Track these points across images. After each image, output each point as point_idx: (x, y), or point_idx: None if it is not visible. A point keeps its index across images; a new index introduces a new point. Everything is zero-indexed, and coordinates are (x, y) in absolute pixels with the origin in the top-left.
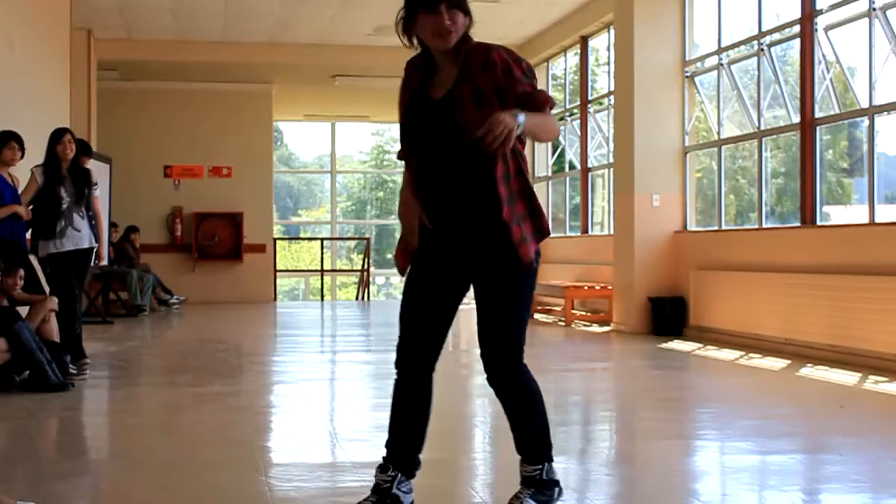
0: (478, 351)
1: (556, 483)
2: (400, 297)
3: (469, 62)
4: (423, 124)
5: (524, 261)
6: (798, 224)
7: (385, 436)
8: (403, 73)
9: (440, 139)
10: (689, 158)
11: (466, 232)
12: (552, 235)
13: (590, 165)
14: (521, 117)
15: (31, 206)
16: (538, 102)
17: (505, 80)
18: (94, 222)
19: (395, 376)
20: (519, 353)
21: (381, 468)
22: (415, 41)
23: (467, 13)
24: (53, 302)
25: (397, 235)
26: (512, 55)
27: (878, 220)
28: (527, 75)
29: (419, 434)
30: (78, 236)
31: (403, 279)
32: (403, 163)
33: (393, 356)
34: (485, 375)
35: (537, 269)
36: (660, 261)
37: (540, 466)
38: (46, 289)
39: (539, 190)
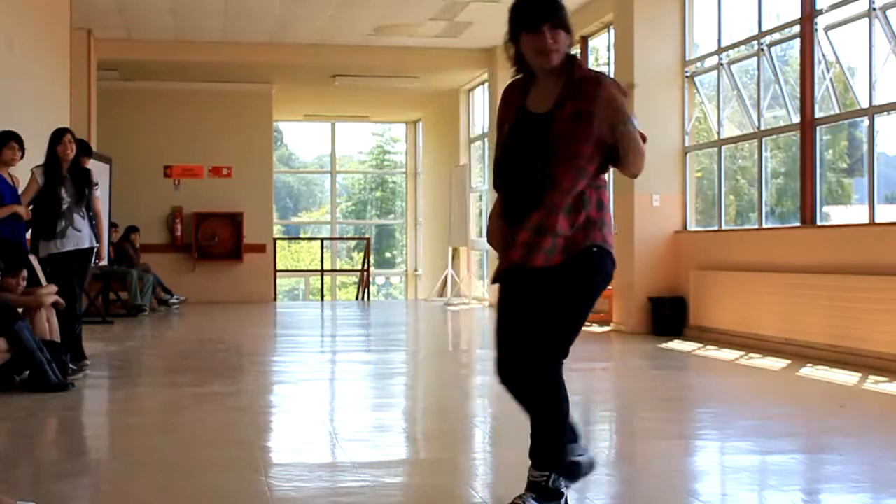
0: (479, 352)
1: (562, 495)
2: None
3: (580, 86)
4: (522, 136)
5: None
6: (798, 224)
7: (385, 436)
8: (503, 98)
9: (534, 151)
10: (689, 158)
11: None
12: None
13: None
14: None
15: (31, 207)
16: (641, 138)
17: (613, 115)
18: (94, 222)
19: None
20: (556, 353)
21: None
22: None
23: (569, 31)
24: (51, 288)
25: (397, 235)
26: (619, 87)
27: (878, 220)
28: (625, 110)
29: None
30: (78, 236)
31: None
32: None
33: (392, 356)
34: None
35: (599, 292)
36: (660, 261)
37: (546, 474)
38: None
39: None
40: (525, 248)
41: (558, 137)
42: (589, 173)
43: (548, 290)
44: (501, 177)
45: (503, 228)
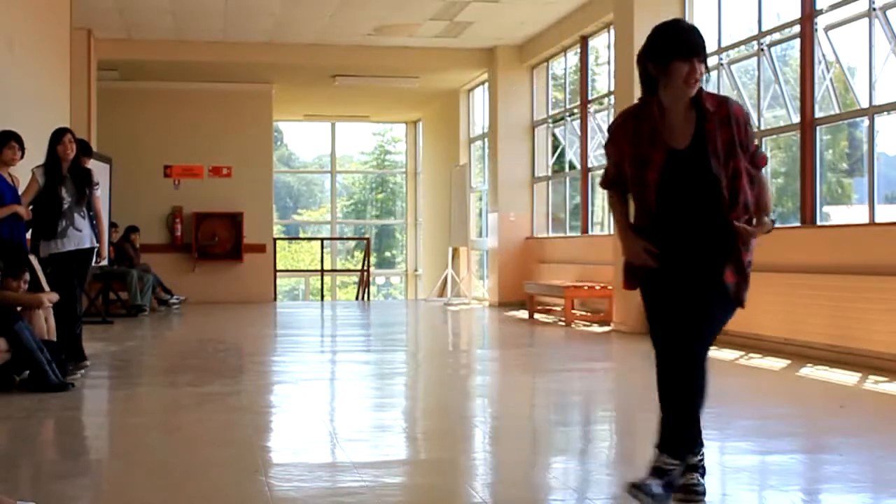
0: (479, 352)
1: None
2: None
3: (713, 114)
4: (670, 172)
5: (738, 303)
6: (798, 224)
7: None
8: (620, 121)
9: (691, 183)
10: None
11: (701, 257)
12: (552, 235)
13: (590, 165)
14: (770, 219)
15: (31, 207)
16: (761, 162)
17: (745, 137)
18: (94, 222)
19: (662, 380)
20: (707, 346)
21: (672, 455)
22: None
23: (707, 67)
24: (53, 296)
25: (397, 235)
26: (745, 111)
27: (878, 220)
28: (751, 130)
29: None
30: (79, 236)
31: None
32: (607, 191)
33: (392, 356)
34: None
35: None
36: None
37: (678, 463)
38: (46, 289)
39: (539, 190)
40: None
41: (717, 170)
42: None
43: (719, 295)
44: (658, 208)
45: (639, 240)
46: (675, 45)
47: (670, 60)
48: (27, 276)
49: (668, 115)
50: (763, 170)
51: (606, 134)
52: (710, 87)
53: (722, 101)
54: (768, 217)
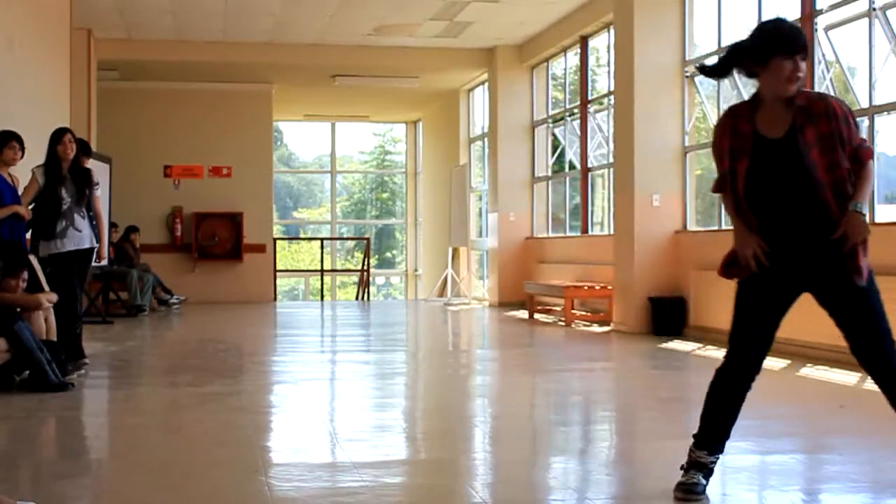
0: (479, 352)
1: (712, 472)
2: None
3: (810, 107)
4: (764, 162)
5: (858, 283)
6: None
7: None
8: (725, 127)
9: (786, 174)
10: (689, 158)
11: (816, 249)
12: (552, 235)
13: (590, 165)
14: (862, 207)
15: (31, 207)
16: (865, 155)
17: (847, 131)
18: (94, 222)
19: (723, 373)
20: (892, 338)
21: (710, 452)
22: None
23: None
24: (51, 297)
25: (397, 235)
26: (846, 106)
27: (878, 220)
28: (856, 125)
29: (732, 423)
30: (79, 236)
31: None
32: (720, 194)
33: (392, 356)
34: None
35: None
36: (660, 261)
37: (717, 456)
38: (46, 289)
39: (539, 190)
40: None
41: (813, 163)
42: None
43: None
44: (756, 201)
45: (754, 238)
46: (779, 42)
47: (772, 57)
48: (25, 275)
49: (765, 111)
50: (869, 163)
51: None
52: (710, 87)
53: (820, 97)
54: (856, 207)
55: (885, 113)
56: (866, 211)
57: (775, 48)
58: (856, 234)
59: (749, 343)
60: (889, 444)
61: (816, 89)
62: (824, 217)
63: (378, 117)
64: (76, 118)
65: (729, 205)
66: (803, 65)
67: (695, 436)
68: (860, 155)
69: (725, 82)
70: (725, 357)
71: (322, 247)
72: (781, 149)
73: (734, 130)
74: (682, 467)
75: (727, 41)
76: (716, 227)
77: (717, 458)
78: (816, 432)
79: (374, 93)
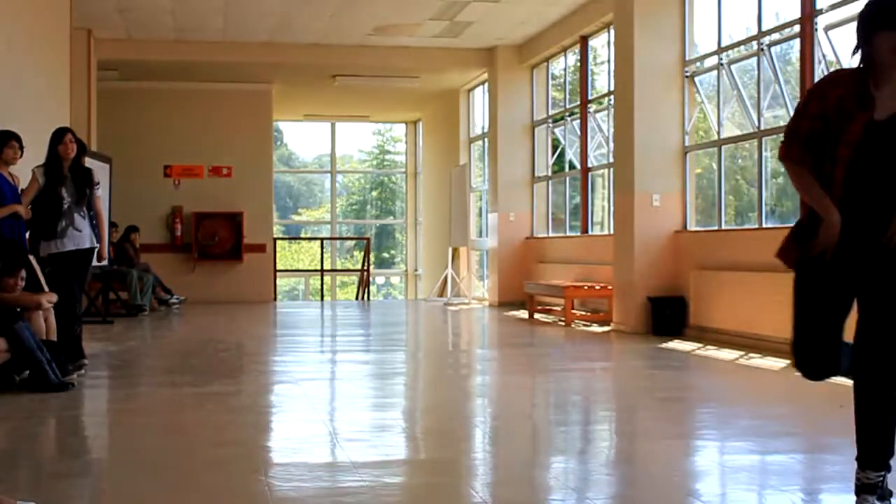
0: (479, 351)
1: (892, 493)
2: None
3: None
4: (866, 142)
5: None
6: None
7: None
8: (832, 77)
9: (881, 155)
10: (689, 158)
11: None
12: (552, 235)
13: (590, 165)
14: None
15: (30, 206)
16: None
17: None
18: (95, 222)
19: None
20: None
21: (875, 469)
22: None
23: None
24: (51, 297)
25: (397, 235)
26: None
27: None
28: None
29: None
30: (79, 236)
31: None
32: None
33: (392, 356)
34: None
35: None
36: (660, 261)
37: (883, 473)
38: (46, 289)
39: (539, 190)
40: None
41: None
42: None
43: None
44: (846, 187)
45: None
46: (877, 18)
47: (874, 32)
48: (23, 274)
49: (877, 89)
50: None
51: (808, 93)
52: (710, 87)
53: None
54: None
55: None
56: None
57: (877, 23)
58: None
59: (818, 342)
60: None
61: None
62: None
63: (378, 117)
64: (76, 118)
65: (801, 174)
66: None
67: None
68: None
69: (725, 82)
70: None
71: (322, 247)
72: (885, 130)
73: (841, 98)
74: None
75: (727, 41)
76: (716, 227)
77: (885, 475)
78: (816, 432)
79: (374, 93)
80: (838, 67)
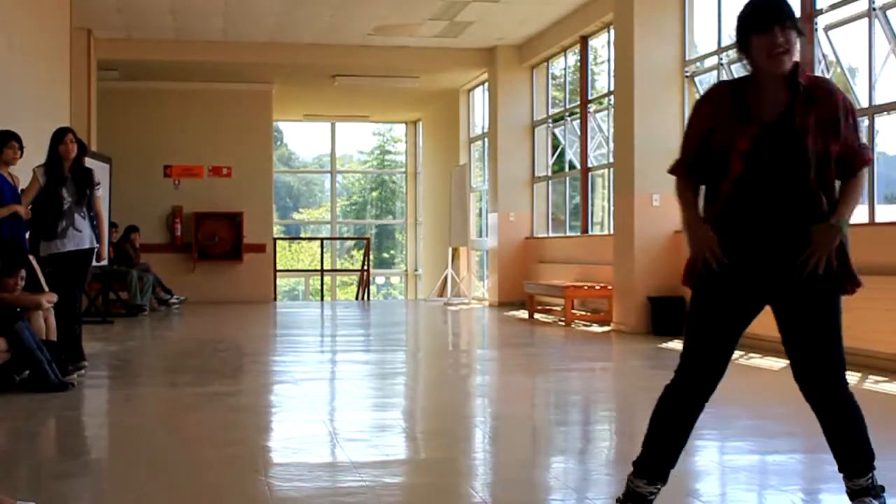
0: (479, 351)
1: (883, 488)
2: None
3: (813, 91)
4: (754, 145)
5: (848, 290)
6: None
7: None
8: (708, 103)
9: (777, 161)
10: None
11: (793, 249)
12: (552, 235)
13: (590, 165)
14: (843, 224)
15: (30, 206)
16: (859, 161)
17: (845, 127)
18: (95, 223)
19: (673, 391)
20: (844, 369)
21: (650, 482)
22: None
23: (801, 33)
24: (51, 297)
25: (397, 235)
26: (849, 100)
27: (878, 220)
28: (857, 126)
29: (680, 449)
30: (79, 237)
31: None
32: (676, 178)
33: (392, 356)
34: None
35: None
36: (660, 261)
37: (870, 475)
38: (46, 289)
39: (539, 190)
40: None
41: (808, 148)
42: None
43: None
44: (739, 186)
45: (710, 235)
46: (751, 21)
47: (749, 36)
48: (23, 274)
49: (760, 94)
50: (861, 172)
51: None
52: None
53: (824, 80)
54: (839, 223)
55: (885, 113)
56: (844, 229)
57: (750, 26)
58: (817, 248)
59: (708, 357)
60: (889, 444)
61: None
62: (812, 211)
63: (378, 117)
64: (76, 118)
65: (684, 191)
66: (786, 35)
67: (635, 462)
68: (853, 159)
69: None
70: (677, 373)
71: (322, 247)
72: (776, 133)
73: (725, 109)
74: (618, 500)
75: (727, 41)
76: None
77: (659, 489)
78: (816, 432)
79: (374, 93)
80: (717, 83)
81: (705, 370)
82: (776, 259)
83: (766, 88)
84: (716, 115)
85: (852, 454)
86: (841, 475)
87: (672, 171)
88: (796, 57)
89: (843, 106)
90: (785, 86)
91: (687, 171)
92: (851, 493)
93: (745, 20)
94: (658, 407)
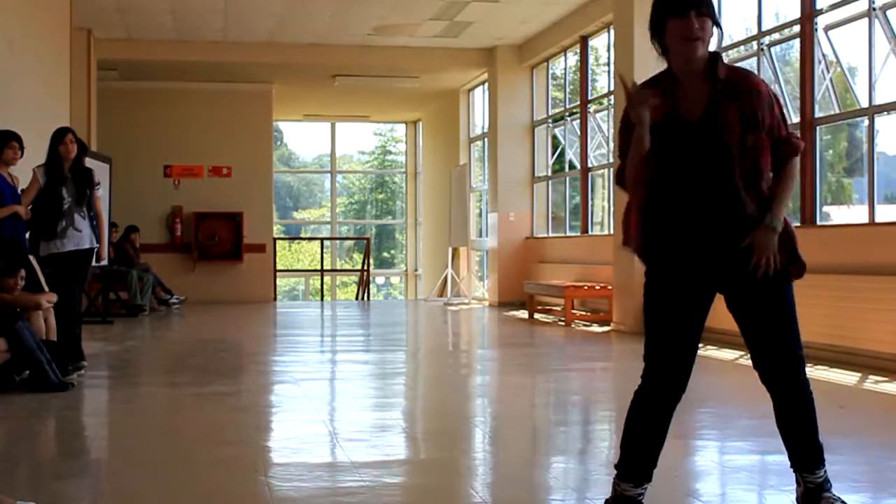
0: (479, 351)
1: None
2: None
3: (732, 84)
4: (678, 143)
5: (794, 278)
6: (798, 224)
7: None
8: (645, 83)
9: (702, 158)
10: None
11: (727, 245)
12: (552, 235)
13: (590, 165)
14: (778, 223)
15: (30, 207)
16: (788, 151)
17: (770, 117)
18: (95, 223)
19: (643, 394)
20: (801, 357)
21: (636, 484)
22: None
23: (717, 24)
24: (51, 297)
25: (397, 235)
26: (771, 90)
27: (878, 220)
28: (784, 115)
29: (659, 450)
30: (79, 237)
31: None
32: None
33: (392, 356)
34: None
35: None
36: None
37: (824, 468)
38: (46, 289)
39: (539, 190)
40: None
41: (732, 147)
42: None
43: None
44: (666, 187)
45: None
46: (666, 5)
47: (664, 21)
48: (23, 274)
49: (681, 87)
50: (792, 161)
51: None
52: None
53: (745, 72)
54: (771, 222)
55: (885, 113)
56: (780, 227)
57: (665, 11)
58: (761, 251)
59: (670, 354)
60: (889, 444)
61: (816, 89)
62: (738, 208)
63: (378, 117)
64: (76, 118)
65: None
66: (702, 22)
67: (617, 466)
68: (784, 148)
69: None
70: (643, 376)
71: (322, 247)
72: (697, 129)
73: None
74: (606, 501)
75: (727, 41)
76: None
77: (646, 489)
78: None
79: (374, 93)
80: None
81: (670, 369)
82: (713, 253)
83: (685, 81)
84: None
85: (807, 445)
86: (797, 475)
87: (617, 180)
88: (712, 47)
89: (766, 97)
90: (705, 79)
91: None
92: (809, 493)
93: (661, 3)
94: (631, 412)
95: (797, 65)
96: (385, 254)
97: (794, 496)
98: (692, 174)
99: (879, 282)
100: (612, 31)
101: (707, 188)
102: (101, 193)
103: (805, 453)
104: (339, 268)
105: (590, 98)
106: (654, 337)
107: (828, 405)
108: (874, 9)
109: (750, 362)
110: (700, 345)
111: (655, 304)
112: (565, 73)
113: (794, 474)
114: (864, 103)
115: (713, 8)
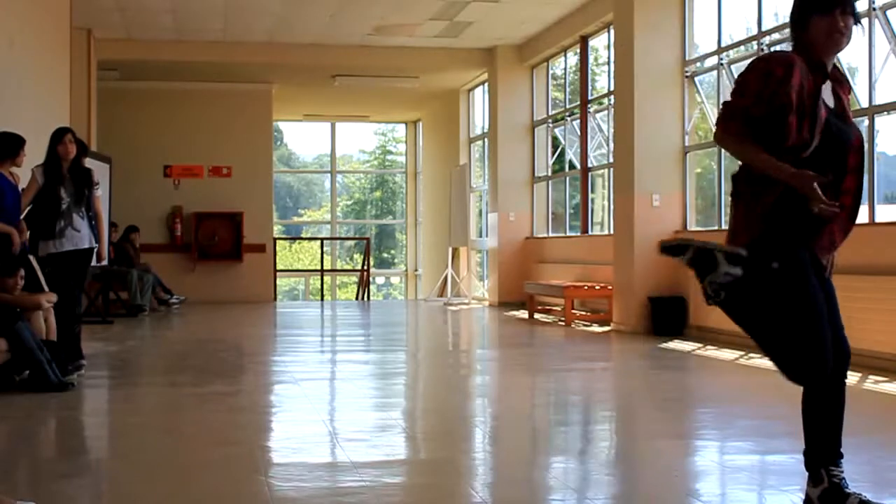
0: (479, 351)
1: None
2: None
3: (839, 73)
4: (825, 134)
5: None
6: None
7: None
8: (788, 60)
9: (838, 143)
10: (689, 158)
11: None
12: (552, 235)
13: (590, 165)
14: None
15: (30, 207)
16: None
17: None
18: (94, 222)
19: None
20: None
21: (838, 464)
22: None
23: (858, 21)
24: (51, 297)
25: (397, 235)
26: None
27: (878, 220)
28: None
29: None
30: (78, 237)
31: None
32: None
33: (392, 356)
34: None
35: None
36: (660, 261)
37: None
38: (46, 289)
39: (539, 190)
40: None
41: (854, 136)
42: None
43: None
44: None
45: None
46: (813, 2)
47: (808, 17)
48: (22, 273)
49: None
50: None
51: (758, 71)
52: (710, 87)
53: (841, 69)
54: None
55: (885, 113)
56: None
57: (812, 7)
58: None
59: (825, 339)
60: (889, 444)
61: None
62: (857, 198)
63: (378, 117)
64: (76, 118)
65: (745, 141)
66: (846, 20)
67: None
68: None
69: (725, 82)
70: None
71: (322, 247)
72: (834, 116)
73: (802, 83)
74: (824, 493)
75: (727, 41)
76: (716, 227)
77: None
78: None
79: (374, 93)
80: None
81: (828, 348)
82: (829, 243)
83: (814, 73)
84: (797, 84)
85: (839, 435)
86: (822, 471)
87: (722, 134)
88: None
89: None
90: (824, 69)
91: (742, 130)
92: (834, 488)
93: (805, 2)
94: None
95: None
96: (385, 254)
97: (793, 496)
98: (826, 161)
99: (879, 282)
100: (612, 31)
101: (835, 173)
102: (101, 193)
103: (836, 445)
104: (339, 268)
105: (590, 98)
106: (811, 324)
107: None
108: (874, 9)
109: (750, 362)
110: (701, 345)
111: (805, 293)
112: (565, 73)
113: (807, 475)
114: (864, 103)
115: (856, 7)
